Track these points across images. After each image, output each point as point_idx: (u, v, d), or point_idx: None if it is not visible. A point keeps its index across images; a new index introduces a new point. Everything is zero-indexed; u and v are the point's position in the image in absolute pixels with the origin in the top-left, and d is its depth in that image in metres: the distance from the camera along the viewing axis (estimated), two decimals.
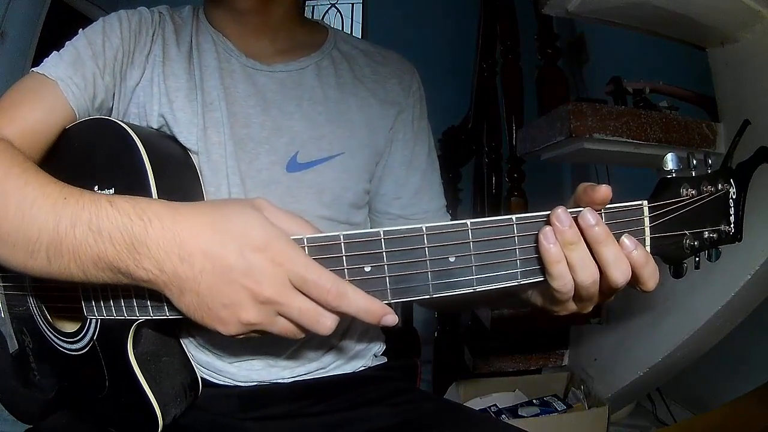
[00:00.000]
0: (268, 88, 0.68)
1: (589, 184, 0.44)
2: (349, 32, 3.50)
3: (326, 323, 0.43)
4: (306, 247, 0.44)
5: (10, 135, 0.56)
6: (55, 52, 0.63)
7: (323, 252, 0.44)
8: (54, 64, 0.61)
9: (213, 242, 0.42)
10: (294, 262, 0.42)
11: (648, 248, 0.45)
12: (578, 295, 0.46)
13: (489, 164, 1.90)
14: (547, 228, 0.43)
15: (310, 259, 0.43)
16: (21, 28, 2.39)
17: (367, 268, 0.43)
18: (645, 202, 0.45)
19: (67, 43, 0.64)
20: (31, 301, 0.64)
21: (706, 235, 0.47)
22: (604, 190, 0.43)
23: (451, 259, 0.43)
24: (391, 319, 0.44)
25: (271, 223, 0.44)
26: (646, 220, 0.45)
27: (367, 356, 0.75)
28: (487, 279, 0.44)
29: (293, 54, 0.71)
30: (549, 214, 0.43)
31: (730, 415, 1.14)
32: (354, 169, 0.70)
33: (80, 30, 0.65)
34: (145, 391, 0.55)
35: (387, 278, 0.44)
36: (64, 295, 0.58)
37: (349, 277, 0.44)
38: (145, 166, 0.53)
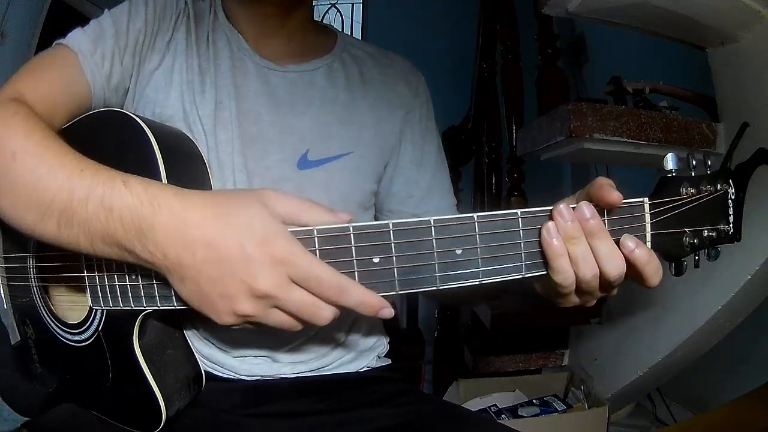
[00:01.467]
0: (280, 87, 0.69)
1: (609, 182, 0.45)
2: (349, 32, 3.50)
3: (324, 315, 0.44)
4: (316, 238, 0.44)
5: (33, 102, 0.57)
6: (78, 27, 0.64)
7: (333, 243, 0.44)
8: (77, 37, 0.62)
9: (216, 234, 0.43)
10: (294, 258, 0.43)
11: (649, 244, 0.46)
12: (580, 289, 0.47)
13: (489, 164, 1.90)
14: (550, 223, 0.44)
15: (310, 255, 0.43)
16: (21, 28, 2.39)
17: (376, 260, 0.44)
18: (646, 200, 0.46)
19: (92, 20, 0.64)
20: (35, 291, 0.64)
21: (705, 234, 0.47)
22: (616, 197, 0.44)
23: (458, 252, 0.44)
24: (388, 312, 0.45)
25: (275, 218, 0.44)
26: (647, 217, 0.46)
27: (370, 357, 0.75)
28: (492, 271, 0.45)
29: (305, 56, 0.72)
30: (552, 209, 0.44)
31: (730, 415, 1.14)
32: (363, 169, 0.71)
33: (105, 10, 0.66)
34: (149, 382, 0.55)
35: (395, 269, 0.44)
36: (69, 285, 0.59)
37: (358, 267, 0.44)
38: (156, 159, 0.54)
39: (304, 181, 0.67)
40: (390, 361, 0.78)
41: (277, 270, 0.43)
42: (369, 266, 0.44)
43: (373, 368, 0.75)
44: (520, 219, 0.45)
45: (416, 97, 0.77)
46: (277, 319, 0.45)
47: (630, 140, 1.14)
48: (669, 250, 0.47)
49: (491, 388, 1.59)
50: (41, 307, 0.64)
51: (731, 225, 0.48)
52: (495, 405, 1.52)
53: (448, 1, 3.24)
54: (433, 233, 0.44)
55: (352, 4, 3.66)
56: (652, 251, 0.46)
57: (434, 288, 0.45)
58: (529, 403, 1.53)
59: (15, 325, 0.67)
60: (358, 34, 3.55)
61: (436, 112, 0.82)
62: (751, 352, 1.45)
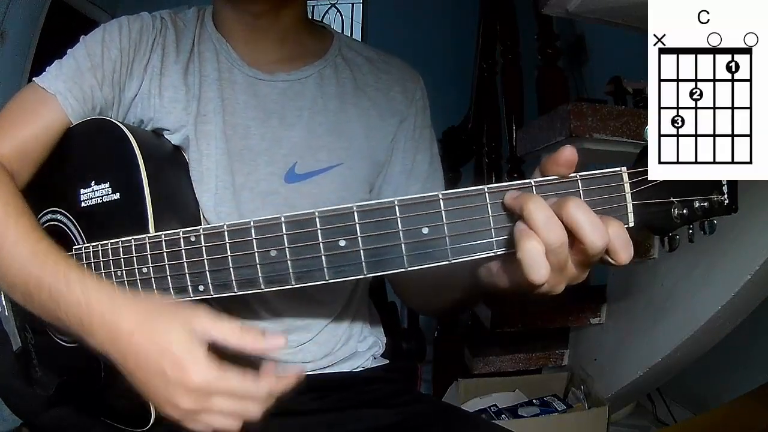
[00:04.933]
0: (270, 98, 0.68)
1: (552, 155, 0.43)
2: (349, 32, 3.49)
3: (251, 414, 0.47)
4: (283, 224, 0.46)
5: (6, 151, 0.60)
6: (56, 61, 0.64)
7: (299, 227, 0.45)
8: (54, 76, 0.62)
9: (141, 348, 0.46)
10: (207, 386, 0.45)
11: (631, 215, 0.43)
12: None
13: (489, 164, 1.90)
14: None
15: (222, 376, 0.45)
16: (21, 28, 2.39)
17: (342, 243, 0.44)
18: (624, 169, 0.43)
19: (68, 51, 0.64)
20: None
21: (696, 205, 0.43)
22: (568, 152, 0.41)
23: (425, 231, 0.43)
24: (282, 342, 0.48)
25: (194, 342, 0.46)
26: (627, 186, 0.43)
27: (365, 357, 0.75)
28: (461, 249, 0.43)
29: (297, 62, 0.71)
30: (521, 184, 0.42)
31: (730, 415, 1.14)
32: (352, 180, 0.69)
33: (81, 37, 0.65)
34: None
35: (362, 251, 0.44)
36: None
37: (325, 251, 0.45)
38: (138, 165, 0.55)
39: (292, 194, 0.66)
40: (386, 362, 0.78)
41: (192, 395, 0.45)
42: (336, 250, 0.45)
43: (368, 368, 0.75)
44: (487, 194, 0.43)
45: (411, 105, 0.74)
46: (214, 421, 0.47)
47: (630, 140, 1.14)
48: (656, 223, 0.44)
49: (491, 388, 1.59)
50: None
51: (726, 195, 0.43)
52: (495, 405, 1.52)
53: (448, 2, 3.24)
54: (397, 212, 0.43)
55: (352, 4, 3.66)
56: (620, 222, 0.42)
57: (403, 270, 0.44)
58: (529, 403, 1.52)
59: (16, 330, 0.67)
60: (358, 34, 3.54)
61: (436, 111, 0.80)
62: (751, 352, 1.45)
